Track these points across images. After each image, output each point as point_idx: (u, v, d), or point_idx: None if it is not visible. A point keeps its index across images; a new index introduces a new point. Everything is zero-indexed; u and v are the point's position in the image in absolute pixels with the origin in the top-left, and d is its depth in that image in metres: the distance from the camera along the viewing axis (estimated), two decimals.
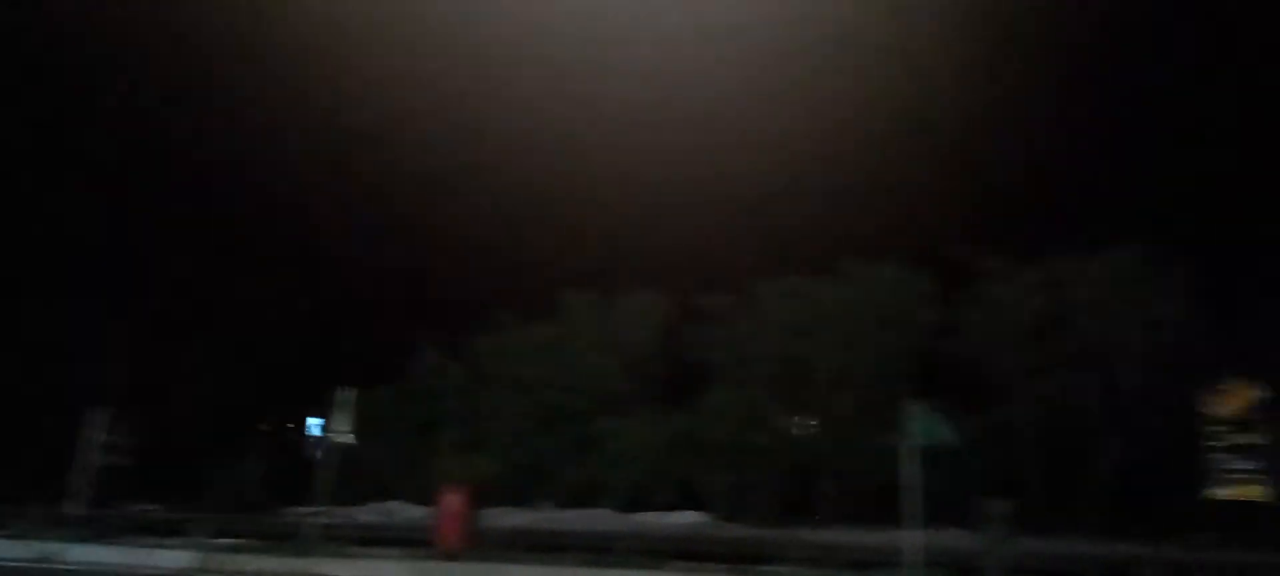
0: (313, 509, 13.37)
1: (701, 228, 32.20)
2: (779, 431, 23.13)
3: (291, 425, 24.68)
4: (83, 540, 11.93)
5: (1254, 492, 17.64)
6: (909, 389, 19.64)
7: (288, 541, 11.95)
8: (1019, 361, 21.85)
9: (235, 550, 11.49)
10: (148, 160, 32.17)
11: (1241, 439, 18.28)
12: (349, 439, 13.37)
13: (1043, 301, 21.73)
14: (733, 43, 30.95)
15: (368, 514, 20.15)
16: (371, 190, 36.09)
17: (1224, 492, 18.23)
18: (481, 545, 12.02)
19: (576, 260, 31.64)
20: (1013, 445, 21.63)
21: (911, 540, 10.48)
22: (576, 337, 25.24)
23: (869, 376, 23.01)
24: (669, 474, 22.28)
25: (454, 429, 23.71)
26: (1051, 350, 21.53)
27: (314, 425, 28.06)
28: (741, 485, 21.90)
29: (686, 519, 20.39)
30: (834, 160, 34.83)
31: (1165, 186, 27.06)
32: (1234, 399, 18.65)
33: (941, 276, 23.05)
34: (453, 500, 12.21)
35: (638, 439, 22.49)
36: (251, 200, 31.84)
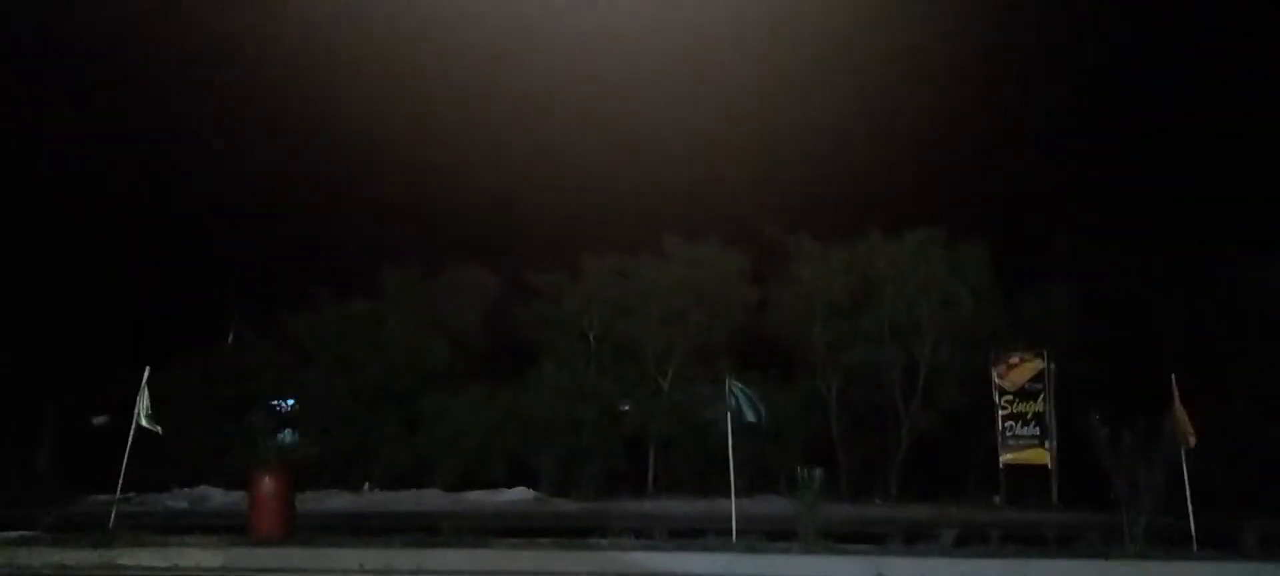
0: (114, 496, 12.47)
1: (526, 204, 32.03)
2: (606, 407, 23.54)
3: (88, 407, 22.82)
4: None
5: (1038, 456, 19.46)
6: (729, 364, 20.51)
7: (87, 531, 11.09)
8: (826, 336, 23.17)
9: (27, 543, 10.56)
10: None
11: (1025, 407, 20.10)
12: (150, 421, 12.54)
13: (849, 280, 23.12)
14: (549, 28, 30.86)
15: (175, 500, 19.06)
16: (173, 162, 33.64)
17: (1011, 456, 20.03)
18: (299, 530, 11.59)
19: (396, 235, 30.80)
20: (824, 416, 22.98)
21: (732, 508, 10.98)
22: (399, 314, 24.63)
23: (691, 352, 23.79)
24: (497, 451, 22.23)
25: (268, 409, 22.67)
26: (857, 326, 22.93)
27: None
28: (570, 460, 22.17)
29: (515, 495, 20.47)
30: (655, 142, 35.53)
31: (960, 173, 29.23)
32: (1019, 370, 20.47)
33: (757, 257, 24.16)
34: (267, 483, 11.68)
35: (465, 417, 22.29)
36: (42, 168, 29.03)
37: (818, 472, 10.68)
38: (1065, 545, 9.96)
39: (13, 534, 11.31)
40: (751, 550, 9.81)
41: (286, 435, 17.36)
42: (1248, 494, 18.05)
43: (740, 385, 11.98)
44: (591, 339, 24.24)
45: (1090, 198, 25.76)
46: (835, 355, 22.97)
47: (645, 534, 10.59)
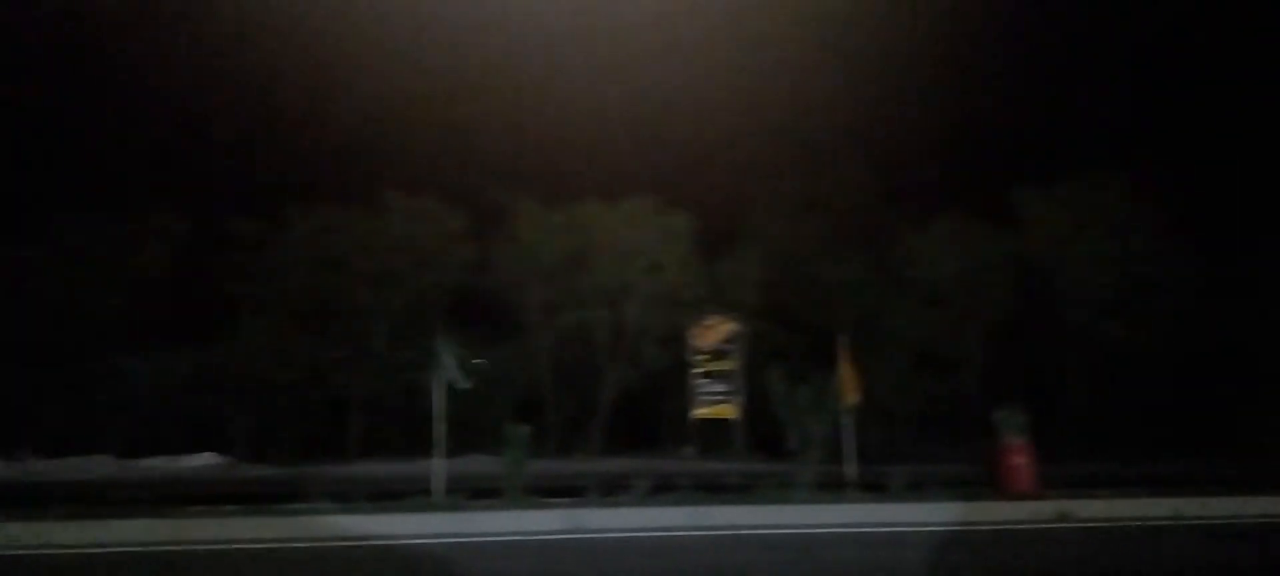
0: None
1: (224, 145, 29.63)
2: (309, 366, 22.44)
3: None
4: None
5: (727, 411, 21.02)
6: (442, 322, 20.26)
7: None
8: (542, 297, 23.56)
9: None
10: None
11: (718, 366, 21.60)
12: None
13: (567, 242, 23.62)
14: None
15: None
16: None
17: (704, 412, 21.49)
18: None
19: (79, 174, 27.35)
20: (534, 374, 23.40)
21: (438, 468, 10.91)
22: (68, 263, 21.93)
23: (405, 309, 23.25)
24: (183, 414, 20.52)
25: None
26: (572, 287, 23.51)
27: None
28: (267, 423, 20.94)
29: (203, 461, 19.02)
30: (377, 91, 34.11)
31: (670, 146, 30.68)
32: (713, 332, 21.95)
33: (477, 218, 24.01)
34: None
35: (147, 377, 20.35)
36: None
37: (524, 429, 10.87)
38: (745, 492, 10.85)
39: None
40: (454, 509, 9.83)
41: None
42: (900, 443, 20.74)
43: (450, 347, 11.89)
44: (296, 294, 22.95)
45: (782, 172, 28.00)
46: (549, 315, 23.42)
47: (345, 497, 10.28)
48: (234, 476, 17.17)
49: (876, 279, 23.60)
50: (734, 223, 25.72)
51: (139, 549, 8.30)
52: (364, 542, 8.58)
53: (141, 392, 20.26)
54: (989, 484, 11.33)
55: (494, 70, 32.94)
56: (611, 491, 10.45)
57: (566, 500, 10.11)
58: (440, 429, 11.21)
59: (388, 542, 8.53)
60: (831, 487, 11.15)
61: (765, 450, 16.00)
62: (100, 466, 17.74)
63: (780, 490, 10.70)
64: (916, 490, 11.24)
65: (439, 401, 11.41)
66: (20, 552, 8.16)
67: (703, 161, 29.54)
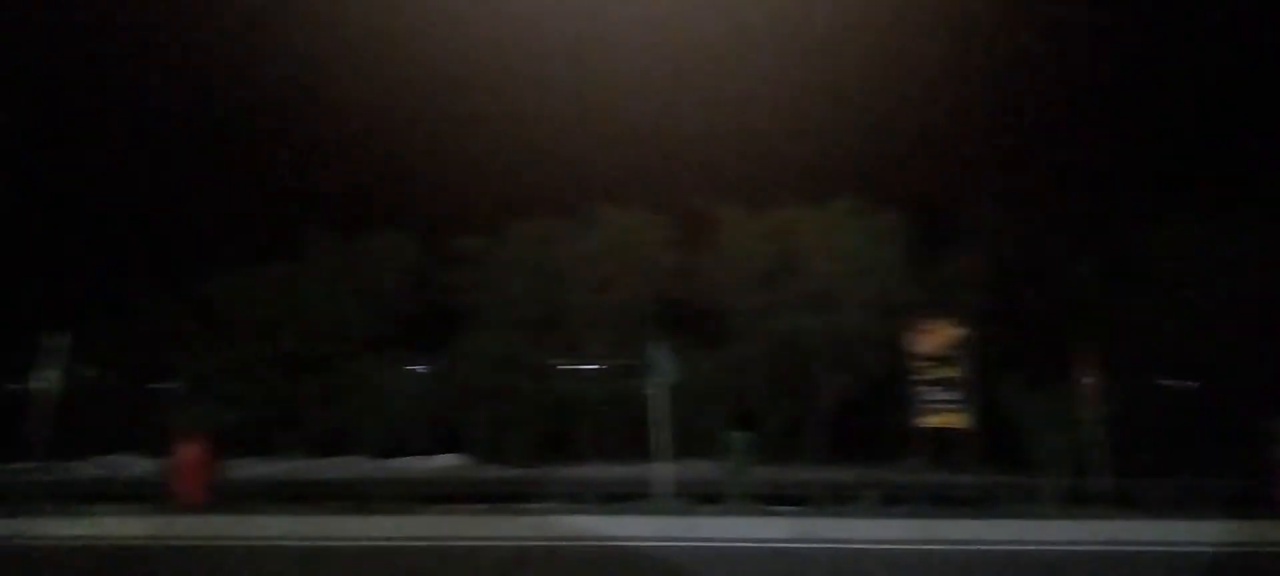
0: (27, 464, 12.07)
1: (452, 168, 31.63)
2: (535, 372, 23.51)
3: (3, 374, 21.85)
4: None
5: (956, 420, 20.11)
6: (654, 330, 20.68)
7: (3, 501, 10.73)
8: (751, 303, 23.53)
9: None
10: None
11: (942, 372, 20.73)
12: (56, 387, 12.15)
13: (772, 249, 23.49)
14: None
15: (91, 468, 18.43)
16: (88, 126, 32.21)
17: (931, 420, 20.66)
18: (224, 497, 11.42)
19: (318, 197, 30.13)
20: (748, 381, 23.38)
21: (661, 472, 11.17)
22: (320, 279, 24.14)
23: (618, 318, 23.90)
24: (425, 418, 22.07)
25: (186, 375, 22.07)
26: (780, 293, 23.33)
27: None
28: (500, 426, 22.10)
29: (445, 462, 20.37)
30: (580, 107, 35.34)
31: (879, 144, 29.88)
32: (936, 336, 21.08)
33: (684, 224, 24.34)
34: (190, 450, 11.50)
35: (392, 383, 22.06)
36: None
37: (745, 435, 10.92)
38: (981, 505, 10.40)
39: None
40: (681, 513, 10.03)
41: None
42: (1159, 454, 19.12)
43: (660, 346, 12.15)
44: (519, 304, 24.14)
45: (1005, 165, 26.64)
46: (759, 322, 23.35)
47: (577, 498, 10.71)
48: (473, 476, 18.25)
49: (1116, 275, 21.89)
50: (952, 221, 24.65)
51: (399, 543, 9.00)
52: (599, 542, 8.92)
53: (389, 398, 21.93)
54: (1260, 499, 10.29)
55: (689, 75, 33.31)
56: (839, 500, 10.30)
57: (793, 508, 10.08)
58: (661, 433, 11.46)
59: (620, 543, 8.82)
60: (1079, 502, 10.48)
61: (999, 461, 15.20)
62: (357, 466, 19.35)
63: (1022, 503, 10.19)
64: (1177, 506, 10.38)
65: (657, 406, 11.68)
66: (296, 544, 9.04)
67: (911, 158, 28.61)
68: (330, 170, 32.58)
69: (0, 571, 7.79)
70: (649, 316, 23.52)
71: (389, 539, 9.19)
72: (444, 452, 21.03)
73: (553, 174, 31.69)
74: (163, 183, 30.36)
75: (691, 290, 24.32)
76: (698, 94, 32.96)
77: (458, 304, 24.29)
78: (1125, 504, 10.36)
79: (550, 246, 24.02)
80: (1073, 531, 9.17)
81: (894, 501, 10.30)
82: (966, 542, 8.84)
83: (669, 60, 31.88)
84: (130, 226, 28.26)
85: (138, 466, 18.83)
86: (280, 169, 32.25)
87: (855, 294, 22.84)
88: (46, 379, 12.08)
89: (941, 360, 20.73)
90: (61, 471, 16.57)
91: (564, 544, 8.88)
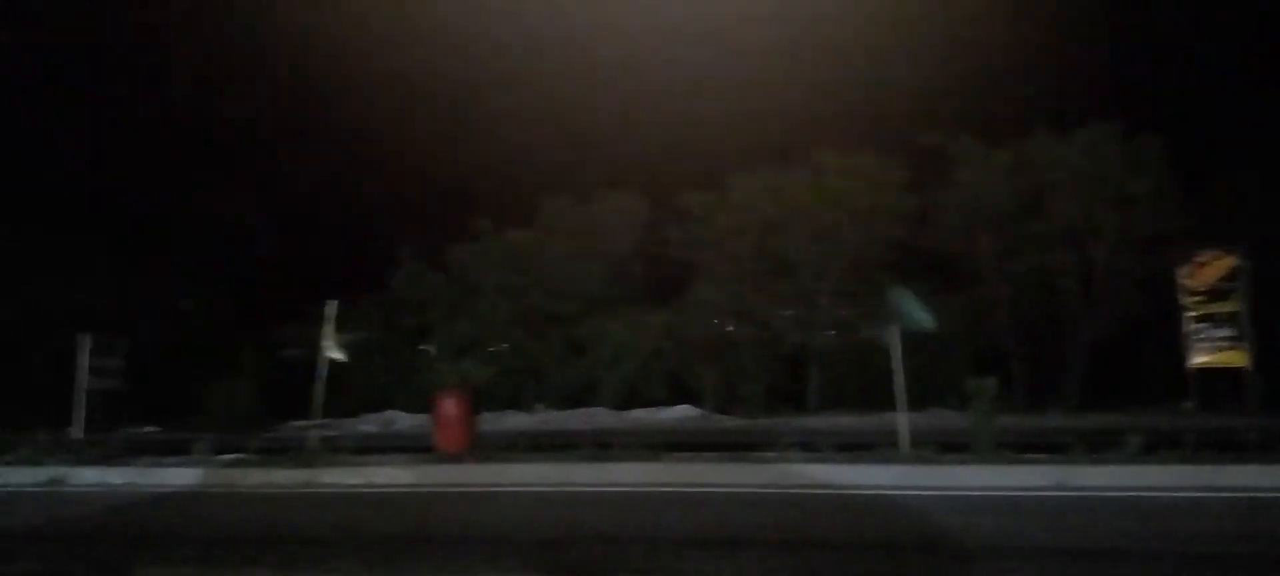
0: (310, 421, 13.52)
1: (674, 125, 31.97)
2: (764, 324, 23.51)
3: (280, 341, 24.68)
4: (88, 463, 12.01)
5: (1233, 359, 18.09)
6: (888, 276, 20.00)
7: (289, 454, 12.10)
8: (994, 243, 22.19)
9: (239, 465, 11.63)
10: (106, 74, 31.34)
11: (1217, 308, 18.67)
12: (338, 352, 13.43)
13: (1015, 183, 21.97)
14: None
15: (365, 424, 20.43)
16: (339, 99, 35.38)
17: (1203, 360, 18.71)
18: (482, 447, 12.25)
19: (551, 165, 31.43)
20: (992, 325, 22.16)
21: (901, 421, 10.82)
22: (557, 241, 25.29)
23: (848, 266, 23.35)
24: (659, 371, 22.68)
25: (441, 336, 23.89)
26: (1026, 231, 21.84)
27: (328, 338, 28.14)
28: (730, 378, 22.35)
29: (679, 413, 20.88)
30: (802, 51, 34.49)
31: (1131, 62, 27.10)
32: (1209, 269, 18.97)
33: (914, 163, 23.24)
34: (450, 404, 12.38)
35: (626, 339, 22.80)
36: (218, 113, 31.19)
37: (990, 381, 10.34)
38: (1266, 450, 9.31)
39: (226, 457, 12.51)
40: (924, 461, 9.68)
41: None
42: None
43: (903, 293, 11.70)
44: (744, 257, 24.16)
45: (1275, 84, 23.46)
46: (1003, 263, 22.00)
47: (812, 447, 10.60)
48: (708, 426, 18.59)
49: None
50: (1224, 145, 22.05)
51: (638, 489, 9.30)
52: (838, 490, 8.80)
53: (625, 352, 22.68)
54: None
55: (912, 10, 31.61)
56: (1097, 448, 9.54)
57: (1046, 456, 9.45)
58: (900, 380, 11.10)
59: (860, 491, 8.65)
60: None
61: None
62: (597, 417, 20.22)
63: None
64: None
65: (897, 353, 11.30)
66: (547, 489, 9.56)
67: (1171, 77, 25.71)
68: (562, 141, 33.92)
69: (291, 513, 8.75)
70: (882, 263, 22.81)
71: (631, 485, 9.51)
72: (678, 405, 21.53)
73: (775, 125, 31.23)
74: (413, 160, 32.83)
75: (928, 233, 23.28)
76: (921, 23, 31.34)
77: (687, 260, 24.70)
78: None
79: (776, 197, 23.77)
80: None
81: (1161, 447, 9.40)
82: (1244, 489, 7.96)
83: None
84: (388, 202, 30.80)
85: (404, 421, 20.67)
86: (520, 142, 33.93)
87: (1111, 227, 21.02)
88: (331, 345, 13.38)
89: (1215, 294, 18.65)
90: (338, 428, 18.47)
91: (803, 491, 8.83)
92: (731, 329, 22.58)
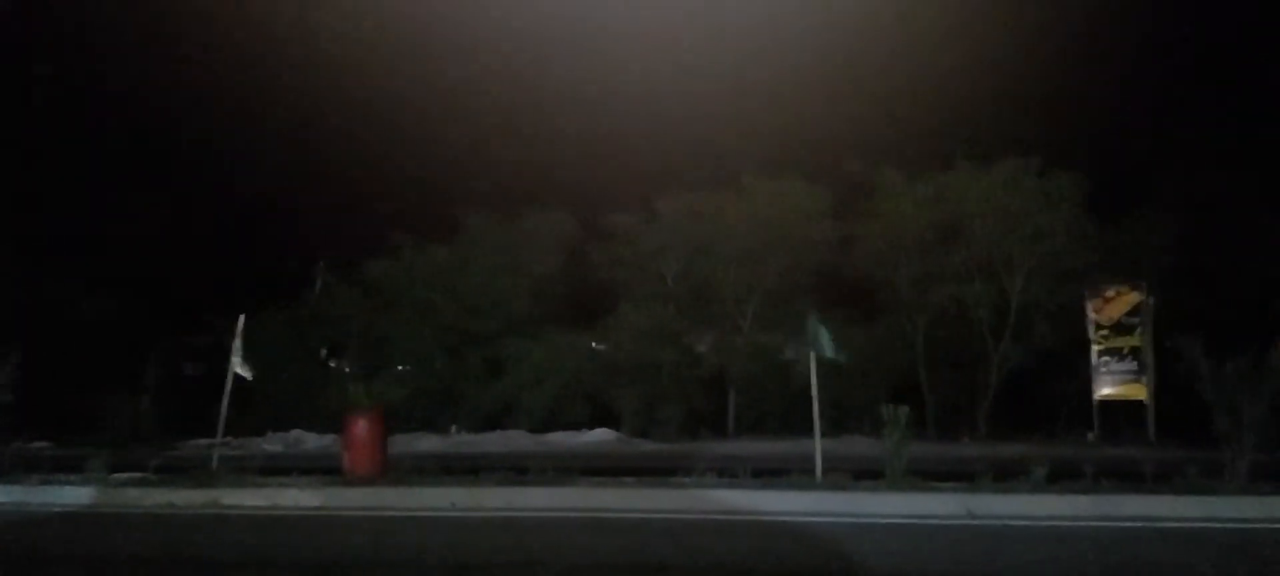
0: (212, 440, 12.99)
1: (603, 145, 31.98)
2: (686, 347, 23.53)
3: (185, 355, 23.80)
4: None
5: (1134, 391, 18.77)
6: (810, 302, 20.22)
7: (189, 473, 11.58)
8: (912, 273, 22.62)
9: (136, 484, 11.09)
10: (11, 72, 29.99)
11: (1121, 341, 19.34)
12: (244, 368, 12.94)
13: (934, 215, 22.45)
14: None
15: (270, 444, 19.78)
16: (262, 111, 34.47)
17: (1109, 392, 19.35)
18: (392, 470, 11.90)
19: (474, 181, 31.07)
20: (909, 355, 22.56)
21: (816, 448, 10.86)
22: (479, 259, 24.92)
23: (771, 291, 23.54)
24: (579, 394, 22.47)
25: (355, 354, 23.31)
26: (943, 262, 22.32)
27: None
28: (651, 401, 22.27)
29: (598, 436, 20.71)
30: (730, 77, 34.90)
31: (1052, 99, 28.07)
32: (1115, 304, 19.68)
33: (838, 192, 23.61)
34: (360, 425, 11.99)
35: (547, 360, 22.55)
36: (128, 119, 30.10)
37: (904, 409, 10.45)
38: (1163, 481, 9.59)
39: (124, 475, 11.90)
40: (837, 487, 9.72)
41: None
42: None
43: (818, 321, 11.76)
44: (669, 280, 24.18)
45: (1189, 121, 24.58)
46: (921, 292, 22.43)
47: (729, 473, 10.56)
48: (626, 450, 18.46)
49: None
50: (1133, 180, 22.89)
51: (552, 514, 9.13)
52: (752, 516, 8.76)
53: (545, 374, 22.41)
54: None
55: (838, 34, 32.27)
56: (1004, 477, 9.70)
57: (956, 485, 9.57)
58: (816, 407, 11.16)
59: (774, 517, 8.63)
60: (1274, 478, 9.49)
61: (1183, 436, 13.98)
62: (516, 440, 19.93)
63: (1207, 479, 9.32)
64: None
65: (814, 380, 11.37)
66: (458, 515, 9.32)
67: (1087, 115, 26.73)
68: (488, 154, 33.61)
69: (193, 536, 8.36)
70: (803, 289, 23.05)
71: (544, 510, 9.33)
72: (597, 428, 21.37)
73: (704, 148, 31.50)
74: (331, 171, 32.13)
75: (849, 261, 23.64)
76: (851, 54, 31.94)
77: (611, 280, 24.59)
78: None
79: (702, 220, 23.86)
80: (1263, 508, 8.33)
81: (1065, 477, 9.60)
82: (1143, 519, 8.17)
83: (817, 20, 31.01)
84: (302, 214, 30.04)
85: (311, 441, 20.07)
86: (443, 155, 33.48)
87: (1026, 260, 21.61)
88: (236, 361, 12.87)
89: (1120, 328, 19.33)
90: (243, 447, 17.84)
91: (715, 517, 8.76)
92: (653, 351, 22.51)
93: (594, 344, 23.27)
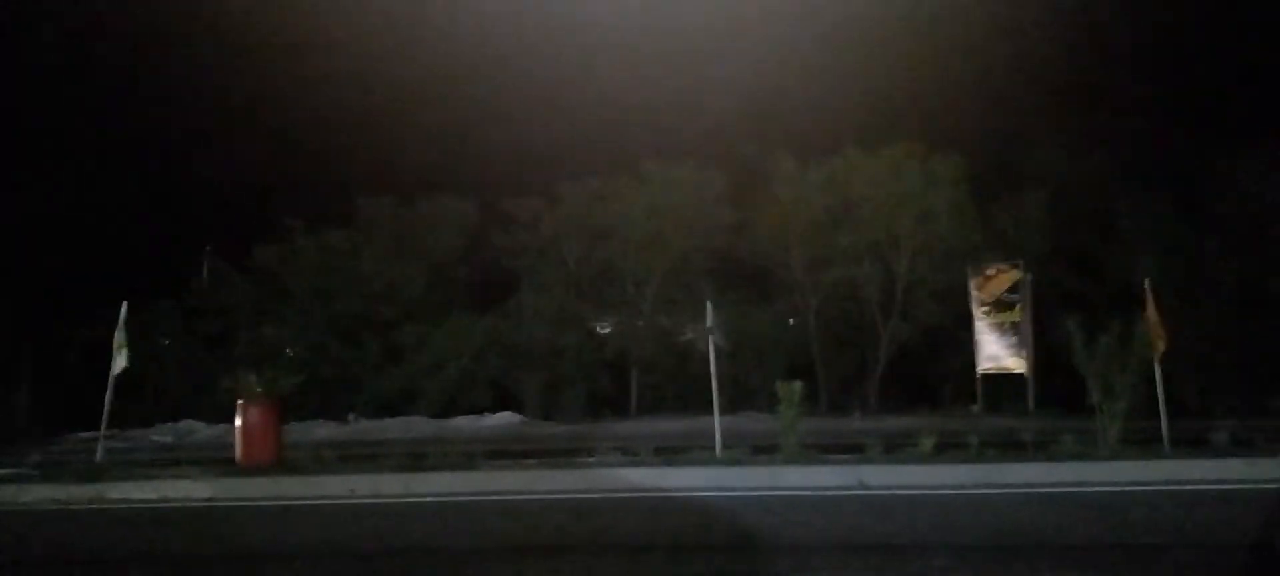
0: (98, 432, 12.46)
1: (502, 130, 31.62)
2: (587, 331, 23.64)
3: (65, 345, 22.63)
4: None
5: (1015, 365, 19.78)
6: (709, 285, 20.60)
7: (72, 468, 11.10)
8: (805, 255, 23.25)
9: (15, 480, 10.58)
10: None
11: (1003, 317, 20.31)
12: (124, 359, 12.42)
13: (826, 198, 23.11)
14: None
15: (159, 435, 19.05)
16: (146, 88, 32.80)
17: (990, 367, 20.31)
18: (287, 459, 11.66)
19: (369, 167, 30.25)
20: (803, 334, 23.22)
21: (716, 425, 11.14)
22: (376, 245, 24.44)
23: (670, 274, 23.86)
24: (481, 378, 22.32)
25: (246, 342, 22.59)
26: (835, 244, 23.00)
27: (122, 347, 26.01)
28: (554, 385, 22.32)
29: (501, 420, 20.65)
30: (631, 63, 34.98)
31: (934, 86, 29.08)
32: (996, 281, 20.63)
33: (734, 177, 24.06)
34: (253, 413, 11.70)
35: (448, 345, 22.32)
36: (14, 105, 28.30)
37: (797, 385, 10.81)
38: (1041, 449, 10.19)
39: (1, 471, 11.33)
40: (735, 463, 9.99)
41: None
42: (1216, 395, 18.59)
43: (713, 307, 12.11)
44: (571, 264, 24.23)
45: (1065, 106, 25.81)
46: (814, 273, 23.09)
47: (631, 452, 10.74)
48: (529, 433, 18.47)
49: (1181, 215, 21.21)
50: (1011, 163, 23.99)
51: (454, 499, 9.14)
52: (655, 494, 8.94)
53: (445, 360, 22.18)
54: None
55: (732, 23, 32.73)
56: (893, 449, 10.16)
57: (848, 457, 9.96)
58: (715, 386, 11.45)
59: (676, 494, 8.84)
60: (1140, 444, 10.20)
61: (1060, 406, 14.83)
62: (417, 426, 19.69)
63: (1081, 447, 9.95)
64: (1243, 446, 10.07)
65: (713, 361, 11.66)
66: (358, 502, 9.23)
67: (967, 100, 27.79)
68: (384, 137, 32.83)
69: (78, 533, 8.07)
70: (702, 272, 23.43)
71: (447, 495, 9.33)
72: (500, 412, 21.31)
73: (603, 133, 31.49)
74: (220, 154, 30.89)
75: (745, 244, 24.16)
76: (743, 43, 32.38)
77: (512, 265, 24.49)
78: (1190, 445, 10.06)
79: (602, 205, 23.98)
80: (1132, 471, 8.96)
81: (950, 448, 10.11)
82: (1023, 485, 8.68)
83: (713, 7, 31.35)
84: (190, 198, 28.83)
85: (203, 432, 19.42)
86: (336, 138, 32.56)
87: (912, 241, 22.46)
88: (119, 351, 12.35)
89: (1001, 305, 20.29)
90: (130, 439, 17.15)
91: (619, 496, 8.91)
92: (555, 335, 22.57)
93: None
